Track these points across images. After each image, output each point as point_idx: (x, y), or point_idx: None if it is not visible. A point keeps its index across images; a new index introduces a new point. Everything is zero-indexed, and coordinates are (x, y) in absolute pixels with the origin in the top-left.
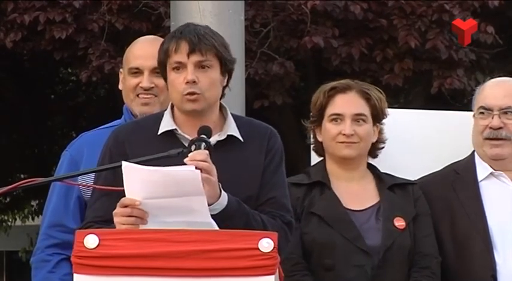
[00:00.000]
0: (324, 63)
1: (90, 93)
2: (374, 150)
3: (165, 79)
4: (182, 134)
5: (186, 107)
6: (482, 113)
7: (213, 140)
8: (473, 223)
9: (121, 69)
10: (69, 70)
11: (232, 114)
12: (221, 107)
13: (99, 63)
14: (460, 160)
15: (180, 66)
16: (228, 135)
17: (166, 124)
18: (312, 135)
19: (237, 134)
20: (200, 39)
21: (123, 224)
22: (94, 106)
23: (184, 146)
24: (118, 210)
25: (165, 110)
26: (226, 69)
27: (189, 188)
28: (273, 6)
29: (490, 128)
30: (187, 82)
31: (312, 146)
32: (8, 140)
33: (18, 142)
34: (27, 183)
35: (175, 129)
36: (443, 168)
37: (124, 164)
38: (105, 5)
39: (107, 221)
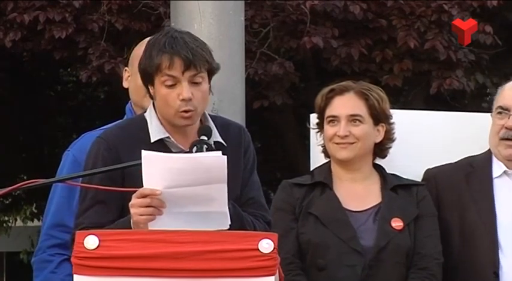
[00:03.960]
0: (324, 64)
1: (90, 94)
2: (381, 150)
3: (146, 86)
4: (173, 141)
5: (179, 123)
6: (499, 113)
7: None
8: (482, 218)
9: (126, 68)
10: (69, 70)
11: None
12: None
13: (99, 63)
14: (477, 155)
15: (173, 82)
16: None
17: (157, 132)
18: (322, 138)
19: (221, 140)
20: (194, 55)
21: (142, 215)
22: (94, 106)
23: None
24: (135, 201)
25: (145, 112)
26: (212, 76)
27: (213, 175)
28: (272, 6)
29: (506, 128)
30: (182, 99)
31: (321, 148)
32: (8, 140)
33: (18, 142)
34: (29, 184)
35: (168, 137)
36: (459, 160)
37: (144, 153)
38: (105, 5)
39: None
